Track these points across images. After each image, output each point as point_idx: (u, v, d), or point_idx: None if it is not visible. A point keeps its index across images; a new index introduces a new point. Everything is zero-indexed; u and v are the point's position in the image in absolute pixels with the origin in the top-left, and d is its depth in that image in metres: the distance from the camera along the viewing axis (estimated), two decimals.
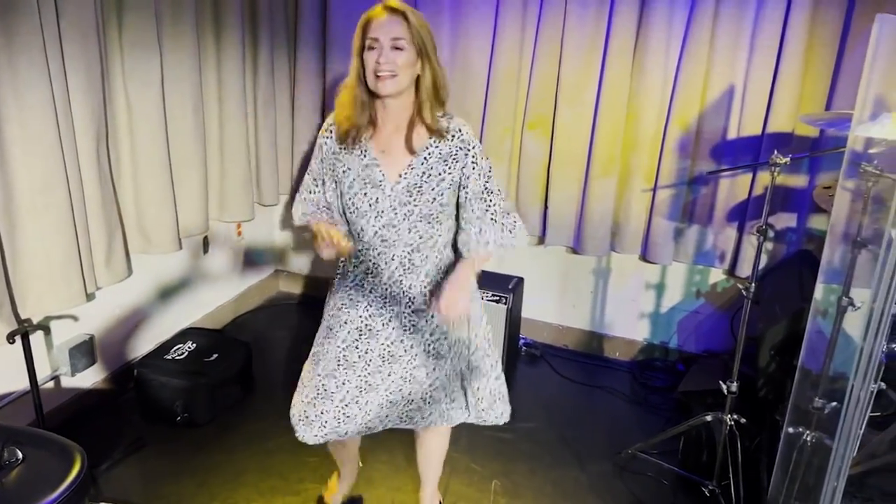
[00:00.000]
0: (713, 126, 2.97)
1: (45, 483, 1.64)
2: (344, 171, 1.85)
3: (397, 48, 1.70)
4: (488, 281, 3.19)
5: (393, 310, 1.93)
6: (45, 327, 2.63)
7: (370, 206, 1.83)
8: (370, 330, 1.94)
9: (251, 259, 3.84)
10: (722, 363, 3.10)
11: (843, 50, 2.75)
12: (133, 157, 2.70)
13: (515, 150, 3.28)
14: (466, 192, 1.86)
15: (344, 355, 1.95)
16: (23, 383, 2.46)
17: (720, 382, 2.45)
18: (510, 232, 1.95)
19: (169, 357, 2.92)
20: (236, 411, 2.94)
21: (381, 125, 1.83)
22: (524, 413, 3.08)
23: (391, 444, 2.69)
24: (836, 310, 1.97)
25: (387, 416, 2.03)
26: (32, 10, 2.14)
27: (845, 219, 2.05)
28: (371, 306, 1.94)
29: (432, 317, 1.94)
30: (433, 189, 1.82)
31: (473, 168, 1.84)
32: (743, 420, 2.45)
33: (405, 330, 1.95)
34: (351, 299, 1.96)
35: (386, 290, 1.92)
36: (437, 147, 1.81)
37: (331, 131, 1.88)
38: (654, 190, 3.13)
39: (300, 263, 4.07)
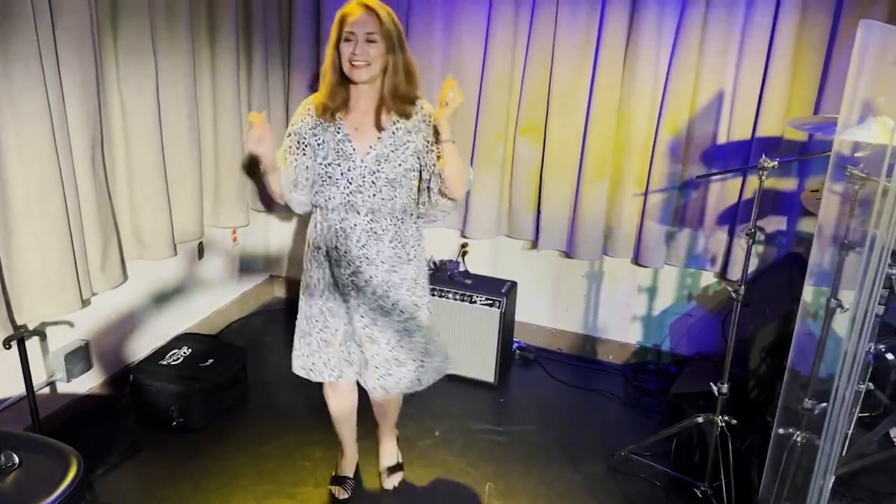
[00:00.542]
0: (703, 131, 3.00)
1: (42, 487, 1.65)
2: (319, 144, 2.12)
3: (370, 41, 1.98)
4: (482, 285, 3.22)
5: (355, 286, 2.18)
6: (41, 333, 2.64)
7: (342, 174, 2.10)
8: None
9: (246, 265, 3.85)
10: (713, 365, 3.13)
11: (830, 55, 2.77)
12: (128, 162, 2.71)
13: (508, 155, 3.30)
14: (430, 155, 2.13)
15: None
16: (19, 389, 2.47)
17: (711, 384, 2.48)
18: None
19: (164, 362, 2.93)
20: (231, 416, 2.95)
21: (353, 106, 2.11)
22: (518, 416, 3.10)
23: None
24: (825, 312, 1.99)
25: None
26: (28, 17, 2.15)
27: (833, 221, 2.07)
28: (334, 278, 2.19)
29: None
30: (399, 156, 2.10)
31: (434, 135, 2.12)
32: (734, 421, 2.47)
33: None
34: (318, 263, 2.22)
35: (352, 257, 2.15)
36: (402, 123, 2.10)
37: (309, 109, 2.13)
38: (646, 194, 3.15)
39: (295, 269, 4.08)
